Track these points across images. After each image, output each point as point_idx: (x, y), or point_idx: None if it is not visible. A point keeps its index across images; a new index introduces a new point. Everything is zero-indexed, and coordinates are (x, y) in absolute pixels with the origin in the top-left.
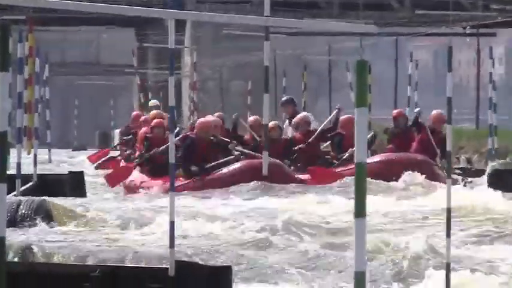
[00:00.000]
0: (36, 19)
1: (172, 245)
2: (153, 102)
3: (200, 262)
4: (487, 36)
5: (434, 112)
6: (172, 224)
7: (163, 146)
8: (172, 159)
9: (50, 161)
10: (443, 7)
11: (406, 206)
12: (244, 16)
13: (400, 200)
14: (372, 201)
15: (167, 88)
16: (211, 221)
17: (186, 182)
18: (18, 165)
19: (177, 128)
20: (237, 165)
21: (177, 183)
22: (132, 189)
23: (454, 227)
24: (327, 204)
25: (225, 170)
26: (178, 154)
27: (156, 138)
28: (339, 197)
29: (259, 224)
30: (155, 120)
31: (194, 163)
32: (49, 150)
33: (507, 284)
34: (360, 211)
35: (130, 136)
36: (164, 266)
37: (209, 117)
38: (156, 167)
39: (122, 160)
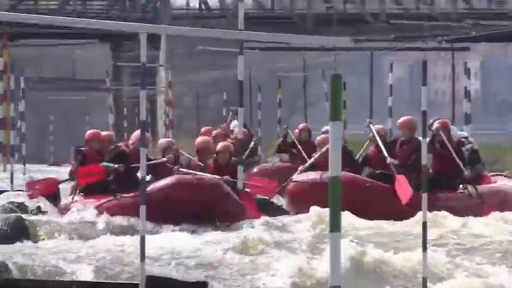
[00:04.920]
0: (10, 34)
1: (142, 258)
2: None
3: (173, 277)
4: (461, 50)
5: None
6: (143, 238)
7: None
8: (143, 173)
9: (24, 173)
10: (417, 20)
11: None
12: (219, 30)
13: None
14: None
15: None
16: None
17: (108, 200)
18: None
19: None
20: (167, 180)
21: (96, 202)
22: (65, 210)
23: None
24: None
25: (154, 185)
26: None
27: (91, 153)
28: None
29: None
30: (93, 132)
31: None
32: (24, 163)
33: None
34: (334, 225)
35: None
36: (136, 282)
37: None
38: (90, 185)
39: None
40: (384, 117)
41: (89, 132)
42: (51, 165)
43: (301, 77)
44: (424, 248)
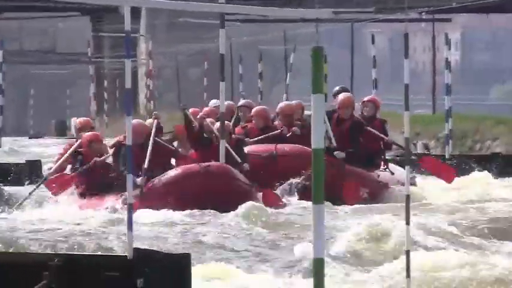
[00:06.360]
0: None
1: (130, 227)
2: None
3: (159, 250)
4: (442, 21)
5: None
6: (130, 205)
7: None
8: (129, 141)
9: (0, 146)
10: None
11: None
12: (200, 4)
13: None
14: None
15: (123, 76)
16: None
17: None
18: None
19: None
20: (172, 172)
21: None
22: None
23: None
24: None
25: (159, 180)
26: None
27: (93, 155)
28: None
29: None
30: (92, 134)
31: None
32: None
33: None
34: (318, 197)
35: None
36: (123, 254)
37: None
38: (91, 185)
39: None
40: (367, 89)
41: (79, 120)
42: (30, 138)
43: (282, 48)
44: (407, 221)
